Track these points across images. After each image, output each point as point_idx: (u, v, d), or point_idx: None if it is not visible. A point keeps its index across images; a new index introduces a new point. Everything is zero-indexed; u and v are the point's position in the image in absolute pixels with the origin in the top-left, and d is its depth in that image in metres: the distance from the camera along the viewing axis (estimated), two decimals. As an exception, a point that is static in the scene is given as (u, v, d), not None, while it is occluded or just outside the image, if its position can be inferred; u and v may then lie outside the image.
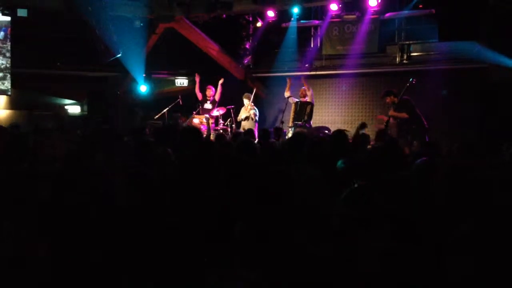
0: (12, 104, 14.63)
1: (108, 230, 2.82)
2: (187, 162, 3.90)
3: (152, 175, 3.33)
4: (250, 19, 14.65)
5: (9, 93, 14.07)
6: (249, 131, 7.63)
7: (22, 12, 13.68)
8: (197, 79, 13.63)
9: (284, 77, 14.66)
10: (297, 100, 12.49)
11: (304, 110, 12.12)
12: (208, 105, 13.36)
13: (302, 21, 14.49)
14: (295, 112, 12.26)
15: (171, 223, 3.02)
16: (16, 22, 13.69)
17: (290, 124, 12.20)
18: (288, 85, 12.84)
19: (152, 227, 2.91)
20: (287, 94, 12.77)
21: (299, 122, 11.86)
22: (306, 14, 14.32)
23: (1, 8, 13.22)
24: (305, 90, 12.51)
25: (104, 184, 3.25)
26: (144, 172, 3.29)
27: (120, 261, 2.71)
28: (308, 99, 12.36)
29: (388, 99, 10.11)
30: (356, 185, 3.15)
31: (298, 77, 13.54)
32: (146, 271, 2.73)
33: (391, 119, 9.86)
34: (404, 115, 9.74)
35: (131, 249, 2.76)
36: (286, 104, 12.75)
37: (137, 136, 6.27)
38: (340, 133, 5.63)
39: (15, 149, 4.70)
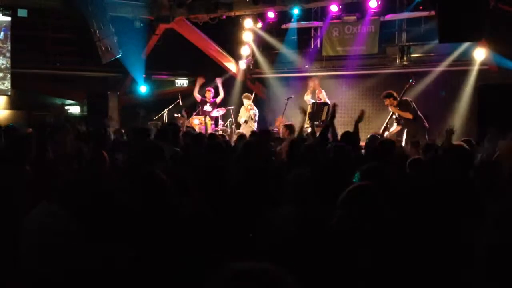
0: (12, 104, 14.62)
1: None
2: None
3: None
4: (251, 20, 14.63)
5: (9, 93, 14.06)
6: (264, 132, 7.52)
7: (22, 13, 13.68)
8: (199, 82, 13.59)
9: (284, 78, 14.71)
10: (314, 101, 12.49)
11: (321, 111, 12.12)
12: (208, 107, 13.36)
13: (302, 22, 14.50)
14: (312, 113, 12.23)
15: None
16: (16, 22, 13.68)
17: (307, 124, 12.20)
18: (311, 88, 12.73)
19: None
20: (307, 96, 12.69)
21: (316, 122, 11.86)
22: (306, 15, 14.31)
23: (1, 9, 13.21)
24: (317, 93, 12.53)
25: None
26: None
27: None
28: (323, 100, 12.37)
29: (387, 101, 10.15)
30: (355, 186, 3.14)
31: (299, 78, 13.55)
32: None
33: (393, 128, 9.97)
34: (408, 115, 9.81)
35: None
36: (286, 105, 12.74)
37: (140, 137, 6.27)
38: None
39: (14, 150, 4.69)
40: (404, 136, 9.84)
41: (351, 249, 2.67)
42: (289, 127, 9.03)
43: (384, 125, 10.11)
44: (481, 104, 11.70)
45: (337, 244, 2.70)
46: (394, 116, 10.16)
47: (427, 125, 9.97)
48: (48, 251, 2.65)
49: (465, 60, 12.11)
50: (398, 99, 9.97)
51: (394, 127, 10.11)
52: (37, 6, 13.11)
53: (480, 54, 11.61)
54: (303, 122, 10.96)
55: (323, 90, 12.61)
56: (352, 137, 5.69)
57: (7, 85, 13.87)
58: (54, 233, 2.68)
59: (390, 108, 10.08)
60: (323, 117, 12.11)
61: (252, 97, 13.11)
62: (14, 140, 4.91)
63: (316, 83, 12.75)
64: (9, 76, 13.83)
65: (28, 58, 14.67)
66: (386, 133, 9.90)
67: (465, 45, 11.68)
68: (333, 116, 6.14)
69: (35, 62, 14.75)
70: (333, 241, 2.73)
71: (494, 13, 9.73)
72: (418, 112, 9.98)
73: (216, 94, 13.55)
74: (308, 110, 12.30)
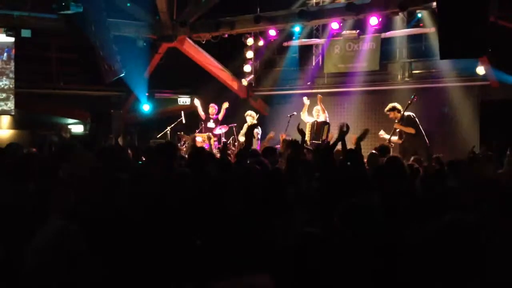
0: (16, 124, 14.69)
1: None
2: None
3: None
4: (252, 38, 14.75)
5: (13, 113, 14.14)
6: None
7: (25, 33, 13.78)
8: (197, 104, 13.64)
9: (286, 95, 14.77)
10: (313, 119, 12.46)
11: (322, 130, 12.12)
12: (211, 124, 13.39)
13: (303, 39, 14.60)
14: (312, 131, 12.23)
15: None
16: (20, 42, 13.78)
17: (307, 143, 12.20)
18: (305, 107, 12.77)
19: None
20: (303, 115, 12.70)
21: (318, 142, 11.84)
22: (307, 32, 14.42)
23: (5, 29, 13.31)
24: (319, 111, 12.53)
25: None
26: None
27: None
28: (322, 119, 12.35)
29: (391, 114, 10.22)
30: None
31: (301, 95, 13.58)
32: None
33: (394, 139, 9.97)
34: (411, 130, 9.85)
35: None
36: (288, 122, 12.75)
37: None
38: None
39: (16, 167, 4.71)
40: (404, 152, 9.84)
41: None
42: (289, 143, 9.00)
43: (388, 139, 10.12)
44: (483, 120, 11.73)
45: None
46: (397, 131, 10.18)
47: (427, 142, 10.00)
48: (57, 268, 2.65)
49: (467, 76, 12.16)
50: (402, 113, 10.01)
51: (396, 138, 10.13)
52: (40, 26, 13.20)
53: (481, 70, 11.66)
54: (302, 141, 10.91)
55: (326, 111, 12.61)
56: (355, 156, 5.67)
57: (10, 105, 13.94)
58: (65, 250, 2.68)
59: (395, 125, 10.10)
60: (324, 136, 12.12)
61: (256, 117, 13.10)
62: (17, 158, 4.95)
63: (319, 99, 12.75)
64: (13, 96, 13.91)
65: (32, 78, 14.77)
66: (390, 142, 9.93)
67: (466, 61, 11.73)
68: (343, 136, 6.06)
69: (38, 82, 14.85)
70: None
71: (494, 29, 9.78)
72: (421, 128, 10.01)
73: (219, 111, 13.61)
74: (308, 129, 12.30)
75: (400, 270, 2.77)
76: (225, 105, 13.40)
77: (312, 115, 12.52)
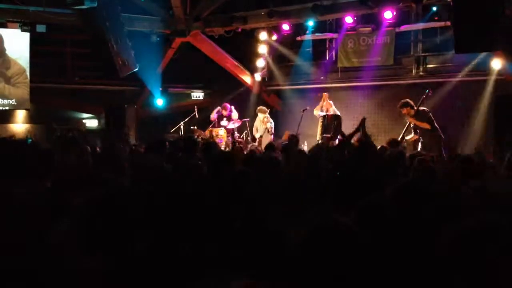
0: (31, 118, 14.84)
1: None
2: None
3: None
4: (266, 32, 14.73)
5: (28, 107, 14.27)
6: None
7: (41, 28, 13.88)
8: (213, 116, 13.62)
9: (300, 90, 14.75)
10: (324, 114, 12.44)
11: (332, 124, 12.10)
12: (224, 122, 13.40)
13: (317, 34, 14.54)
14: (323, 126, 12.22)
15: None
16: (35, 37, 13.89)
17: (318, 137, 12.19)
18: (322, 102, 12.71)
19: None
20: (316, 111, 12.67)
21: (328, 135, 11.83)
22: (321, 27, 14.36)
23: (20, 24, 13.42)
24: (327, 107, 12.49)
25: None
26: None
27: None
28: (331, 113, 12.33)
29: (404, 111, 10.13)
30: None
31: (314, 90, 13.56)
32: None
33: (409, 136, 9.91)
34: (426, 125, 9.76)
35: None
36: (302, 117, 12.75)
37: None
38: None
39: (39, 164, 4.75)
40: (419, 147, 9.78)
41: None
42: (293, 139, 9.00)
43: (401, 135, 10.07)
44: (498, 115, 11.60)
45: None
46: (411, 126, 10.12)
47: (443, 136, 9.93)
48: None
49: (482, 70, 12.04)
50: (415, 108, 9.94)
51: (412, 136, 10.06)
52: (55, 21, 13.30)
53: (496, 64, 11.54)
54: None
55: (331, 102, 12.58)
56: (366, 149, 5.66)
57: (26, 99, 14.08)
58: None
59: (406, 119, 10.05)
60: (334, 130, 12.09)
61: (268, 110, 13.12)
62: (40, 154, 4.98)
63: (325, 96, 12.72)
64: (28, 91, 14.04)
65: (47, 73, 14.89)
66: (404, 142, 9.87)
67: (482, 55, 11.63)
68: (359, 129, 6.06)
69: (53, 77, 14.96)
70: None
71: (510, 23, 9.67)
72: (435, 123, 9.94)
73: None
74: (320, 123, 12.32)
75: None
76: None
77: (323, 110, 12.54)
